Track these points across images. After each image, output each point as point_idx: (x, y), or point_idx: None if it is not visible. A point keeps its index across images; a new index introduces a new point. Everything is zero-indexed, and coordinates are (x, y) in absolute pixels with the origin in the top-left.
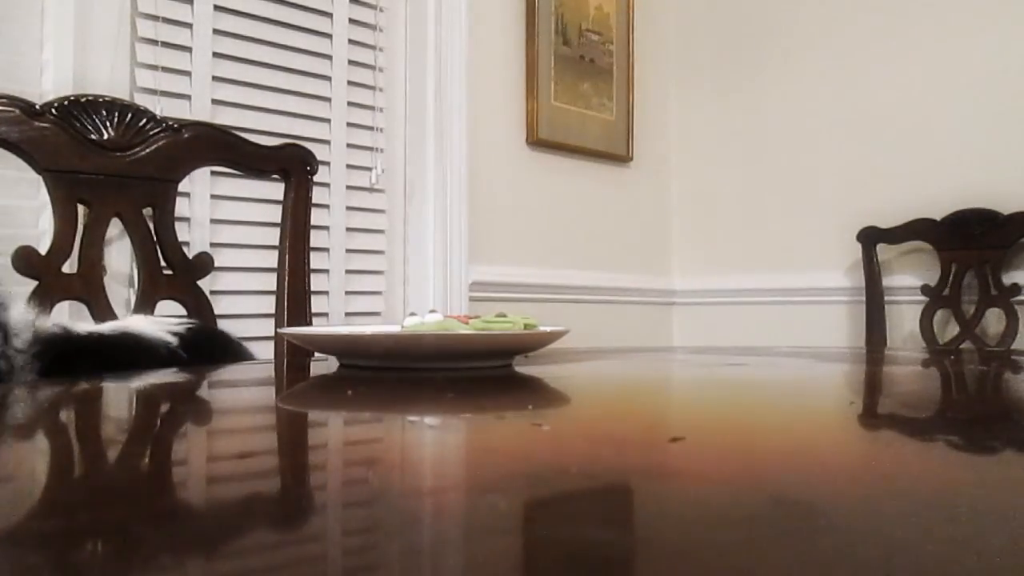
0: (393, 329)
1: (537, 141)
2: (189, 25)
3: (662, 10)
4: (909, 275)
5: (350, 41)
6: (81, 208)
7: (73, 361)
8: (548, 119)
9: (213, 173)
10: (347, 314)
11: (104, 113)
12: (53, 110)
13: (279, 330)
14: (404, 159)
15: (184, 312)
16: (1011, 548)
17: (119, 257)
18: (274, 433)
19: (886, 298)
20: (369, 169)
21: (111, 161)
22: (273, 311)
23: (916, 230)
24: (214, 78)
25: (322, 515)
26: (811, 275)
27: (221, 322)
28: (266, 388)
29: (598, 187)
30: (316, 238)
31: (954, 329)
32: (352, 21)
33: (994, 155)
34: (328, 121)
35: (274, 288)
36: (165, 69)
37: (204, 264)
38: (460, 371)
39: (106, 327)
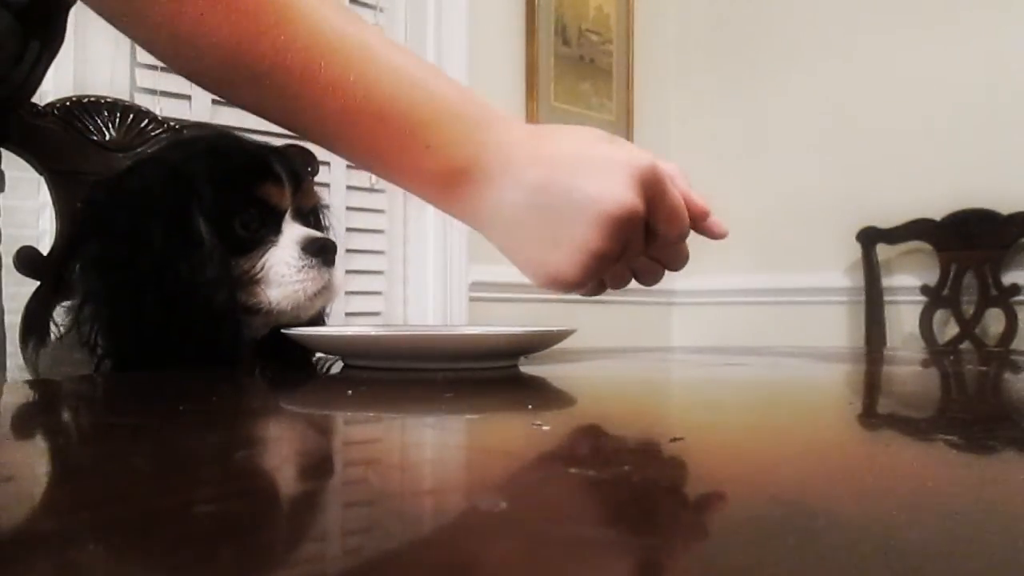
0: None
1: None
2: None
3: (662, 10)
4: (909, 275)
5: None
6: None
7: None
8: (548, 119)
9: None
10: (347, 314)
11: (106, 114)
12: (55, 111)
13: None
14: None
15: None
16: (1011, 548)
17: None
18: (268, 433)
19: (886, 298)
20: None
21: (113, 162)
22: None
23: (916, 230)
24: None
25: (319, 514)
26: (811, 275)
27: None
28: (266, 388)
29: None
30: None
31: (954, 329)
32: None
33: (994, 155)
34: None
35: None
36: (165, 69)
37: None
38: (461, 371)
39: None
